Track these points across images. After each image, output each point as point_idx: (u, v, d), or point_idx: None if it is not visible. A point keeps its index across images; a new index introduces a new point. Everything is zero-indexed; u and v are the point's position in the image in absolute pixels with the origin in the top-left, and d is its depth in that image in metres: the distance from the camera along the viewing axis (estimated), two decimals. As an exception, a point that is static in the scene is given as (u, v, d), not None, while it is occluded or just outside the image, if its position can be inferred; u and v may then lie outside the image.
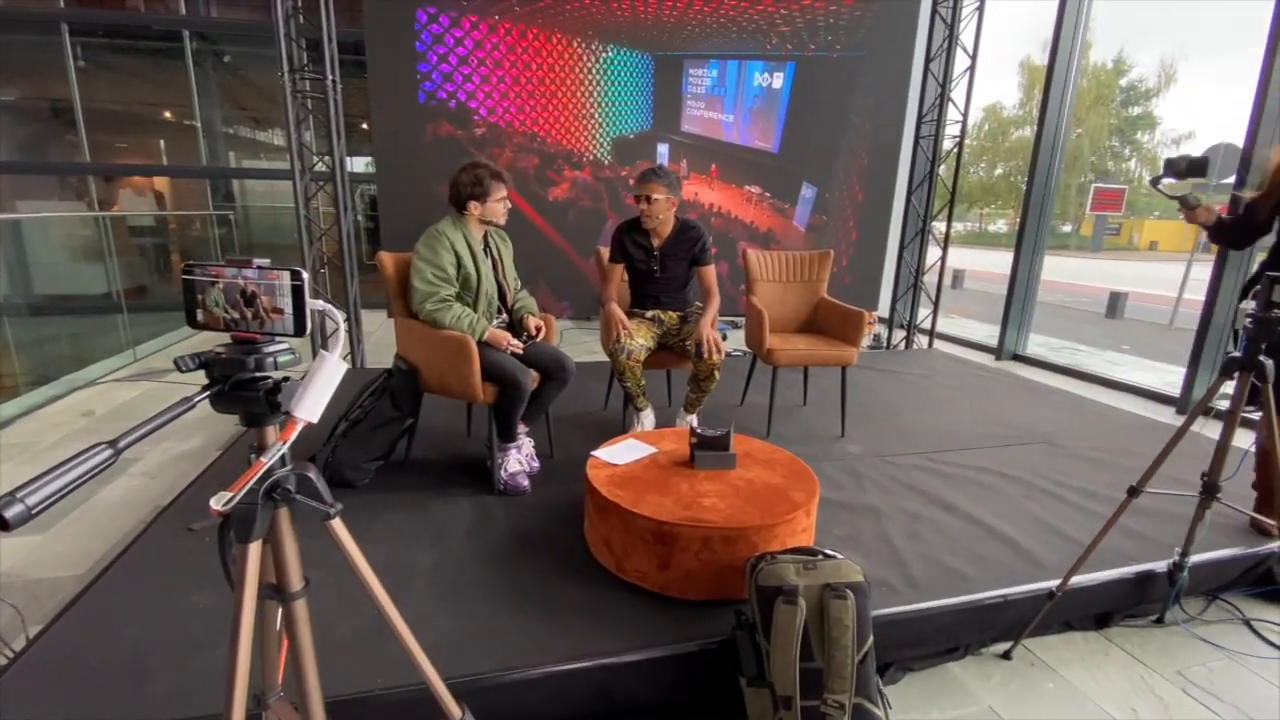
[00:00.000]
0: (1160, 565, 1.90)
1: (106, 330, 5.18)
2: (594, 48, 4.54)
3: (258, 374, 0.70)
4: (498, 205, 2.33)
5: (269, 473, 0.71)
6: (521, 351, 2.32)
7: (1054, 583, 1.73)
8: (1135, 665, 1.74)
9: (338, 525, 0.78)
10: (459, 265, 2.28)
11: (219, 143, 8.99)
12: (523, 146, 4.63)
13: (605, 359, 2.80)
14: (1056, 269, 15.38)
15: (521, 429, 2.40)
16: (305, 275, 0.66)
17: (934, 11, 4.87)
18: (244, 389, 0.69)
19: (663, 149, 4.94)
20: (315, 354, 0.72)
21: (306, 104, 3.88)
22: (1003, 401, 3.71)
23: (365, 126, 6.39)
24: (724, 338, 2.66)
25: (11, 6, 7.98)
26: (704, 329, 2.60)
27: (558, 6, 4.38)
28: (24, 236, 7.27)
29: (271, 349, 0.70)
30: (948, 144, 5.04)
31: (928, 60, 4.95)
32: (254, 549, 0.70)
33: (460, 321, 2.22)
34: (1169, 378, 5.02)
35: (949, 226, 5.12)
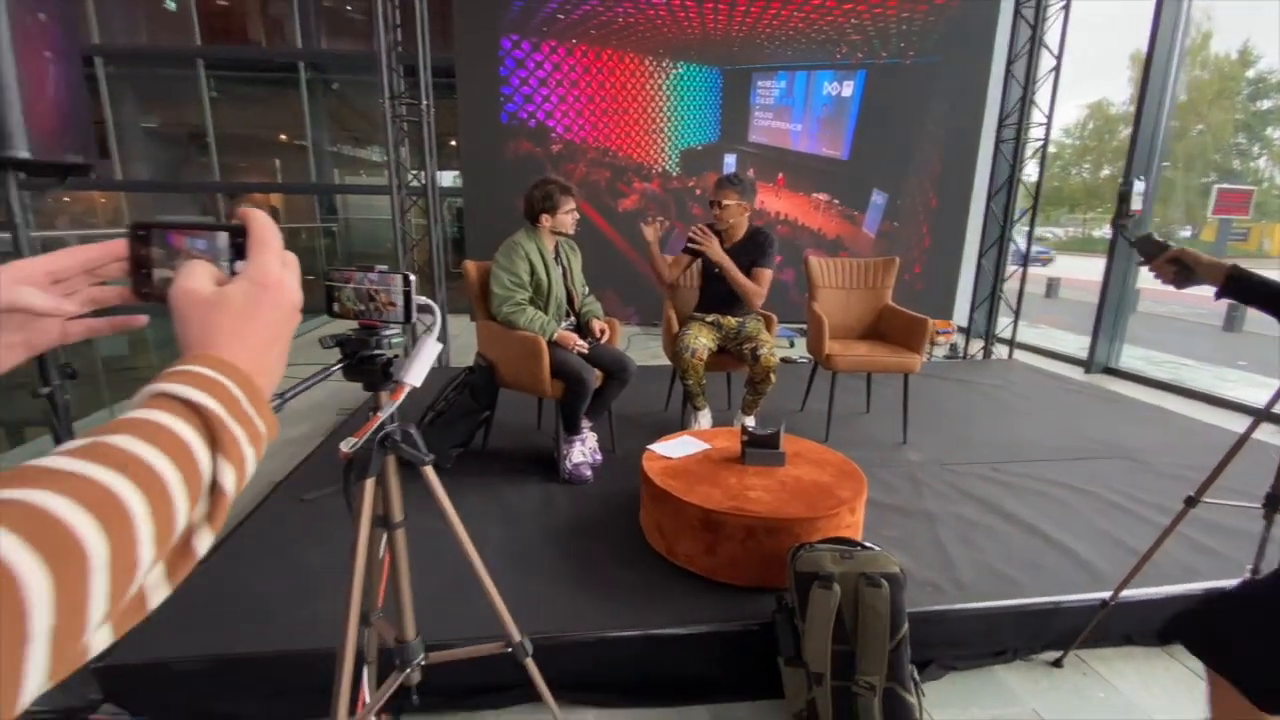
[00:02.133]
0: (1231, 583, 1.81)
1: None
2: (664, 65, 4.73)
3: (377, 351, 0.91)
4: (566, 217, 2.54)
5: (382, 426, 0.92)
6: (587, 351, 2.51)
7: (1107, 593, 1.71)
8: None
9: (429, 472, 0.98)
10: (532, 272, 2.51)
11: (326, 161, 9.91)
12: (596, 161, 4.88)
13: (669, 363, 2.95)
14: (1167, 278, 14.08)
15: (586, 424, 2.59)
16: (413, 278, 0.86)
17: (1016, 12, 4.73)
18: (366, 362, 0.91)
19: (730, 159, 5.06)
20: (415, 341, 0.92)
21: (403, 126, 4.28)
22: (1085, 415, 3.55)
23: (453, 143, 6.89)
24: (790, 345, 2.73)
25: (156, 45, 9.17)
26: (719, 252, 2.72)
27: (631, 28, 4.60)
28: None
29: (387, 333, 0.91)
30: (1032, 147, 4.86)
31: (1009, 62, 4.81)
32: (369, 485, 0.92)
33: (533, 323, 2.45)
34: (1286, 396, 4.59)
35: (1031, 232, 4.92)
